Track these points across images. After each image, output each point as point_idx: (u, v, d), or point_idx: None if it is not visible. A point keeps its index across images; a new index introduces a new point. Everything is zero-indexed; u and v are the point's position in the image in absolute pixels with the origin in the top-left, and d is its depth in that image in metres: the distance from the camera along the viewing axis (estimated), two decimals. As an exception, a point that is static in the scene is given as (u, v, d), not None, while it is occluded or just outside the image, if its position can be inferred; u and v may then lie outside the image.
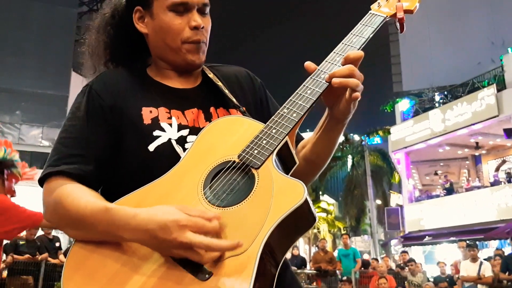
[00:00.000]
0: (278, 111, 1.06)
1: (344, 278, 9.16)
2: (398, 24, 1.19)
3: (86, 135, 1.09)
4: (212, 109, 1.19)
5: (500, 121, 15.84)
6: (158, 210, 0.90)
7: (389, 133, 20.82)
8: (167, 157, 1.07)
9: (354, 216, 26.63)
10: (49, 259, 8.13)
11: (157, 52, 1.20)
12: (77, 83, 25.41)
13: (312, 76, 1.08)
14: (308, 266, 10.77)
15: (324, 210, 37.26)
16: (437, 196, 19.35)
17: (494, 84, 16.13)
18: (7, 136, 23.31)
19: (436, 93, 20.06)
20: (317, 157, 1.17)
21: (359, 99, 1.05)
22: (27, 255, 7.87)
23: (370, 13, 1.18)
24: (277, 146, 1.00)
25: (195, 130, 1.12)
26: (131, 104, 1.13)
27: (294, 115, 1.03)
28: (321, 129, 1.14)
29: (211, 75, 1.23)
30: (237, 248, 0.86)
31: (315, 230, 37.48)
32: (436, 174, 22.25)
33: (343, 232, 28.33)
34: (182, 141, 1.11)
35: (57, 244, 8.69)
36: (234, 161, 1.00)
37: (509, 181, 16.18)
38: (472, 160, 20.49)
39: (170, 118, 1.13)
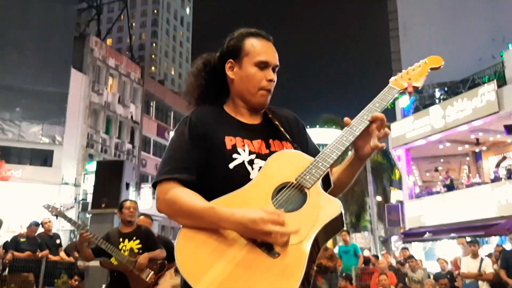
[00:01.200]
0: (324, 150, 1.52)
1: (344, 274, 9.15)
2: (408, 94, 1.66)
3: (190, 154, 1.54)
4: (270, 140, 1.65)
5: (500, 117, 15.81)
6: (248, 210, 1.36)
7: (389, 129, 20.78)
8: (242, 174, 1.53)
9: (354, 213, 26.64)
10: (50, 256, 8.13)
11: (238, 93, 1.66)
12: (76, 80, 25.39)
13: (347, 128, 1.54)
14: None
15: (325, 207, 37.25)
16: (438, 192, 19.33)
17: (495, 80, 16.07)
18: (7, 134, 23.29)
19: (436, 89, 20.00)
20: (343, 182, 1.67)
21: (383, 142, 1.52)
22: (27, 252, 7.87)
23: (389, 86, 1.64)
24: (322, 175, 1.46)
25: (260, 156, 1.58)
26: (217, 133, 1.58)
27: (334, 154, 1.50)
28: (347, 163, 1.63)
29: (270, 115, 1.71)
30: (297, 233, 1.32)
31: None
32: (436, 170, 22.23)
33: (344, 228, 28.35)
34: (251, 162, 1.56)
35: (58, 241, 8.68)
36: (292, 183, 1.46)
37: (509, 177, 16.17)
38: (473, 157, 20.47)
39: (244, 145, 1.58)
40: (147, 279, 4.39)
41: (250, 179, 1.50)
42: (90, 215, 9.39)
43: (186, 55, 73.15)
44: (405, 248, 12.03)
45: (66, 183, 23.91)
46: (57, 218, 5.14)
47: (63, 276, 8.12)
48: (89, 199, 17.15)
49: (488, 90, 15.99)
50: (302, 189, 1.43)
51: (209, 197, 1.44)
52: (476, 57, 21.01)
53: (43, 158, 24.09)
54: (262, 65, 1.61)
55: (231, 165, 1.54)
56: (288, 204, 1.40)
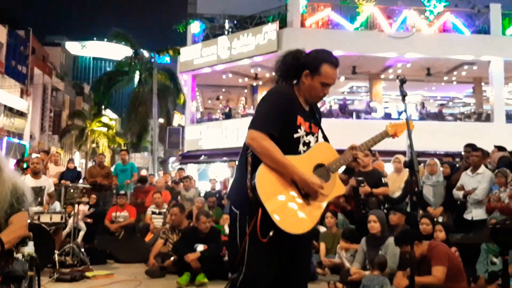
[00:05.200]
0: (345, 153, 2.59)
1: (122, 192, 9.19)
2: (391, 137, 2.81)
3: (280, 118, 2.38)
4: (312, 124, 2.57)
5: (278, 56, 17.19)
6: (311, 175, 2.38)
7: (179, 53, 20.88)
8: (296, 143, 2.46)
9: (136, 133, 26.52)
10: None
11: (305, 92, 2.55)
12: None
13: (352, 151, 2.65)
14: (82, 181, 10.42)
15: (105, 125, 36.08)
16: (217, 119, 20.62)
17: (277, 21, 17.47)
18: None
19: (226, 21, 20.71)
20: None
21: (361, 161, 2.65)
22: None
23: (385, 130, 2.76)
24: (340, 167, 2.55)
25: (307, 134, 2.52)
26: (293, 110, 2.47)
27: (349, 159, 2.58)
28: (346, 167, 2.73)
29: (313, 107, 2.67)
30: (324, 196, 2.42)
31: (94, 145, 36.21)
32: (218, 99, 23.61)
33: (123, 148, 28.13)
34: (302, 137, 2.49)
35: None
36: (324, 165, 2.49)
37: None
38: (250, 90, 22.28)
39: (302, 124, 2.49)
40: None
41: (298, 148, 2.45)
42: None
43: None
44: (181, 169, 12.66)
45: None
46: None
47: None
48: None
49: (270, 30, 17.30)
50: (328, 171, 2.47)
51: None
52: (266, -5, 22.31)
53: None
54: (325, 85, 2.51)
55: (295, 135, 2.44)
56: (321, 177, 2.41)
